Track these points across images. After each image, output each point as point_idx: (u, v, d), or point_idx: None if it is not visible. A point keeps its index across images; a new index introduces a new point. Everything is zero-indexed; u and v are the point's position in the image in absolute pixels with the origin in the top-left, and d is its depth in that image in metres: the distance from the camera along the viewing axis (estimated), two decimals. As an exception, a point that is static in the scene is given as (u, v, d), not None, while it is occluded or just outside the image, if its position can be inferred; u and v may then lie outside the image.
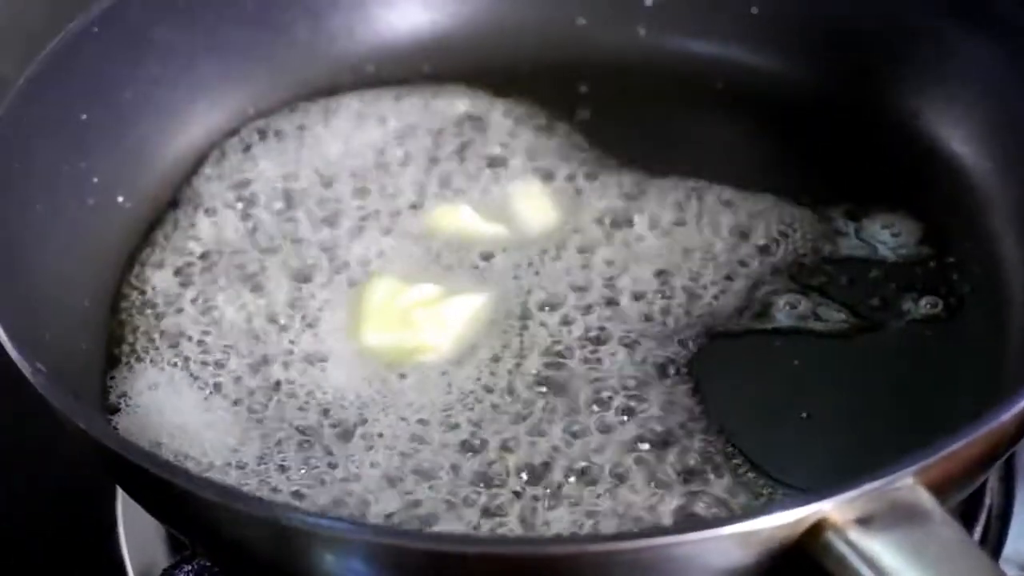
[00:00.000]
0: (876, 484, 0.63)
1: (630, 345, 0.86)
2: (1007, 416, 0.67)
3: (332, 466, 0.79)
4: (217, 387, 0.85)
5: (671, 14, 1.05)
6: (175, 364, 0.86)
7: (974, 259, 0.91)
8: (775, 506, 0.65)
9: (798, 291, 0.89)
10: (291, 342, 0.87)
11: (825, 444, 0.81)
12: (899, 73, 0.99)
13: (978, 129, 0.95)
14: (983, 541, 0.85)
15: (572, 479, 0.78)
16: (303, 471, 0.79)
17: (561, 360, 0.85)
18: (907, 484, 0.64)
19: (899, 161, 0.97)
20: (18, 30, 0.95)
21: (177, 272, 0.92)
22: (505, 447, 0.80)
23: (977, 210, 0.93)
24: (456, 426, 0.81)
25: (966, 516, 0.86)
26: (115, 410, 0.84)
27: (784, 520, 0.63)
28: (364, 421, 0.82)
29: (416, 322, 0.87)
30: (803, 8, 1.02)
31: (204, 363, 0.86)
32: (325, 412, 0.83)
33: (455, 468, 0.79)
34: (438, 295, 0.89)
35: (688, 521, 0.75)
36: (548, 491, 0.77)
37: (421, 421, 0.82)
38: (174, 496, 0.68)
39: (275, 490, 0.78)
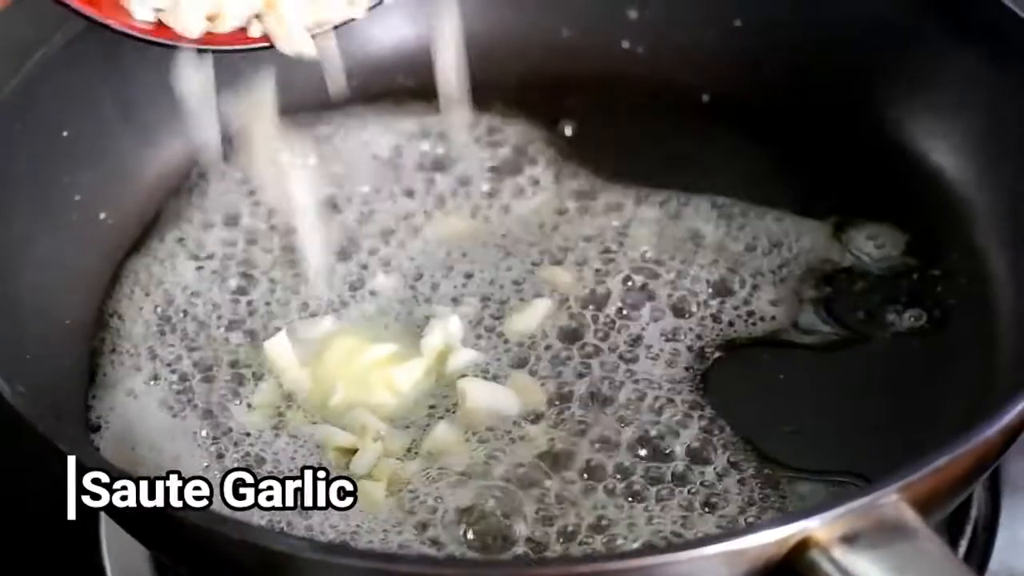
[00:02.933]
0: (860, 502, 0.64)
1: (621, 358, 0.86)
2: (990, 432, 0.67)
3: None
4: (192, 406, 0.85)
5: (655, 27, 1.05)
6: (155, 382, 0.86)
7: (958, 270, 0.91)
8: (761, 525, 0.65)
9: (784, 303, 0.90)
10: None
11: (811, 458, 0.80)
12: (882, 85, 0.99)
13: (961, 140, 0.95)
14: (969, 553, 0.86)
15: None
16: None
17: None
18: (891, 501, 0.64)
19: (883, 172, 0.97)
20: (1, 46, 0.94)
21: (160, 289, 0.92)
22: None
23: (960, 221, 0.93)
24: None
25: (952, 528, 0.86)
26: (97, 428, 0.84)
27: (770, 539, 0.63)
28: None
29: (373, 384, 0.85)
30: (787, 21, 1.02)
31: (183, 380, 0.86)
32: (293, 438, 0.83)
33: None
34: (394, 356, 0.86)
35: (676, 541, 0.75)
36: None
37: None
38: (156, 520, 0.68)
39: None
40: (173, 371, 0.87)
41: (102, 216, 0.94)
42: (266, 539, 0.65)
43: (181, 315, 0.90)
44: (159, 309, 0.91)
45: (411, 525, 0.77)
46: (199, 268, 0.93)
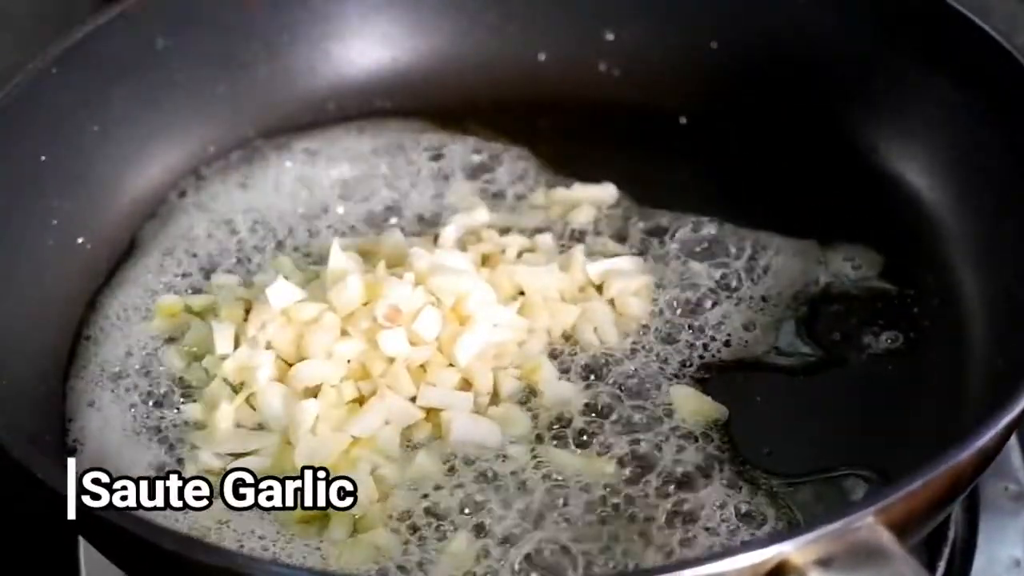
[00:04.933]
0: (836, 525, 0.64)
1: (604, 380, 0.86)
2: (964, 456, 0.67)
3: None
4: (168, 428, 0.84)
5: (632, 50, 1.05)
6: (132, 406, 0.86)
7: (933, 291, 0.91)
8: (737, 549, 0.65)
9: (762, 326, 0.90)
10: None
11: (788, 480, 0.81)
12: (859, 109, 0.99)
13: (935, 163, 0.96)
14: (948, 574, 0.86)
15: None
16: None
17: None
18: (867, 524, 0.64)
19: (860, 195, 0.98)
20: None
21: (136, 313, 0.92)
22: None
23: (935, 243, 0.94)
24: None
25: (930, 548, 0.86)
26: (73, 451, 0.84)
27: (746, 562, 0.63)
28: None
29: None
30: (763, 44, 1.02)
31: (158, 406, 0.86)
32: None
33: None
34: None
35: (651, 565, 0.74)
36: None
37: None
38: (133, 544, 0.67)
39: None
40: (149, 394, 0.87)
41: (80, 240, 0.93)
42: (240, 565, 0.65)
43: (158, 340, 0.90)
44: (136, 332, 0.90)
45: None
46: (174, 292, 0.93)
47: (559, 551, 0.77)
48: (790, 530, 0.69)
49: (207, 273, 0.94)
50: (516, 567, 0.76)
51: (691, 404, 0.84)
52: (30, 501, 0.74)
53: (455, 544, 0.77)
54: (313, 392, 0.83)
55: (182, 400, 0.86)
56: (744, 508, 0.79)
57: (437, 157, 1.02)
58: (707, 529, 0.77)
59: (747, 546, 0.64)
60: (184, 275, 0.94)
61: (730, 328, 0.90)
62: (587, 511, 0.79)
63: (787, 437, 0.84)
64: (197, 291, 0.93)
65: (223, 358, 0.85)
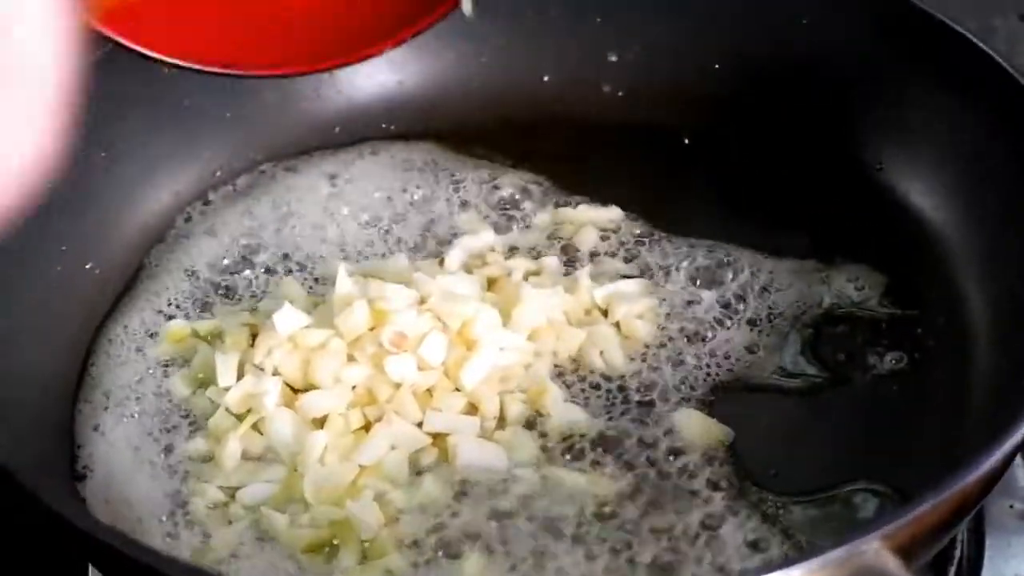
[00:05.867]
0: (841, 551, 0.64)
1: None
2: (970, 479, 0.67)
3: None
4: (177, 454, 0.85)
5: (636, 70, 1.06)
6: (140, 432, 0.86)
7: (938, 311, 0.91)
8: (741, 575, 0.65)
9: (765, 346, 0.90)
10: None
11: (795, 499, 0.81)
12: (864, 129, 0.99)
13: (940, 182, 0.96)
14: (954, 594, 0.86)
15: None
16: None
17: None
18: (872, 549, 0.65)
19: (863, 213, 0.98)
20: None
21: (146, 338, 0.92)
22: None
23: (939, 262, 0.94)
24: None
25: (936, 568, 0.86)
26: (82, 478, 0.84)
27: (752, 589, 0.63)
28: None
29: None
30: (767, 64, 1.03)
31: (164, 431, 0.86)
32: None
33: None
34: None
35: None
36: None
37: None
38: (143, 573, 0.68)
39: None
40: (156, 421, 0.87)
41: (88, 266, 0.94)
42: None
43: (166, 365, 0.90)
44: (146, 358, 0.91)
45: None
46: (184, 316, 0.93)
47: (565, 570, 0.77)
48: (796, 555, 0.69)
49: (214, 297, 0.94)
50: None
51: (697, 427, 0.85)
52: (40, 527, 0.75)
53: (468, 566, 0.77)
54: (320, 423, 0.83)
55: (190, 428, 0.86)
56: (751, 534, 0.79)
57: (443, 180, 1.02)
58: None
59: (752, 572, 0.64)
60: (193, 300, 0.94)
61: (734, 350, 0.90)
62: (597, 532, 0.79)
63: (793, 457, 0.84)
64: (205, 315, 0.93)
65: (226, 389, 0.86)
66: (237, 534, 0.80)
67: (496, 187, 1.02)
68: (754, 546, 0.78)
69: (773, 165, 1.02)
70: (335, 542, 0.79)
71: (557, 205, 1.00)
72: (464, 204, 1.00)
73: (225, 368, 0.86)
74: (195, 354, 0.90)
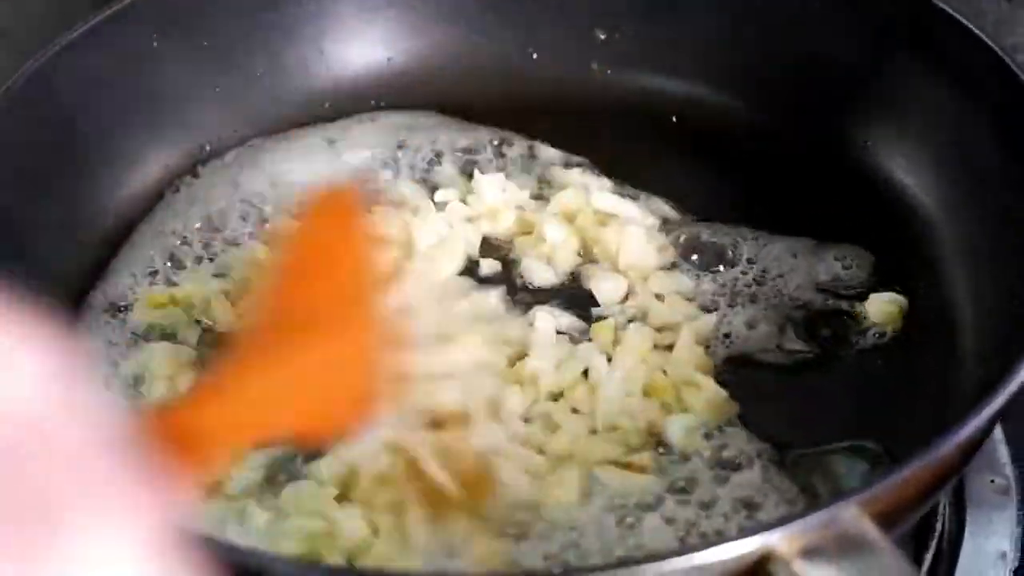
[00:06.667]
0: (821, 516, 0.64)
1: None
2: (949, 447, 0.68)
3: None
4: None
5: (624, 49, 1.06)
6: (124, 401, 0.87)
7: (924, 288, 0.92)
8: (723, 539, 0.66)
9: (754, 323, 0.91)
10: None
11: (780, 474, 0.81)
12: (852, 109, 1.00)
13: (926, 162, 0.96)
14: (934, 567, 0.86)
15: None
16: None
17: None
18: (852, 514, 0.65)
19: (850, 194, 0.98)
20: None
21: (135, 312, 0.92)
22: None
23: (926, 242, 0.94)
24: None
25: (917, 541, 0.87)
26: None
27: (731, 553, 0.64)
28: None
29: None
30: (756, 43, 1.03)
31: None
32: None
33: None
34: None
35: (635, 554, 0.75)
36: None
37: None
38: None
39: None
40: (136, 385, 0.88)
41: (77, 241, 0.94)
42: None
43: (146, 332, 0.91)
44: (124, 326, 0.91)
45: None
46: (167, 282, 0.94)
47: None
48: (774, 520, 0.69)
49: (197, 266, 0.95)
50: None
51: (705, 395, 0.85)
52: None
53: None
54: None
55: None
56: (743, 492, 0.80)
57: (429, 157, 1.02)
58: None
59: (733, 536, 0.65)
60: (177, 267, 0.94)
61: (724, 326, 0.90)
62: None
63: (792, 428, 0.84)
64: (186, 282, 0.93)
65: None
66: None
67: (479, 162, 1.02)
68: (748, 504, 0.79)
69: (762, 145, 1.02)
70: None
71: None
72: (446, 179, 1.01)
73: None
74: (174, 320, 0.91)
